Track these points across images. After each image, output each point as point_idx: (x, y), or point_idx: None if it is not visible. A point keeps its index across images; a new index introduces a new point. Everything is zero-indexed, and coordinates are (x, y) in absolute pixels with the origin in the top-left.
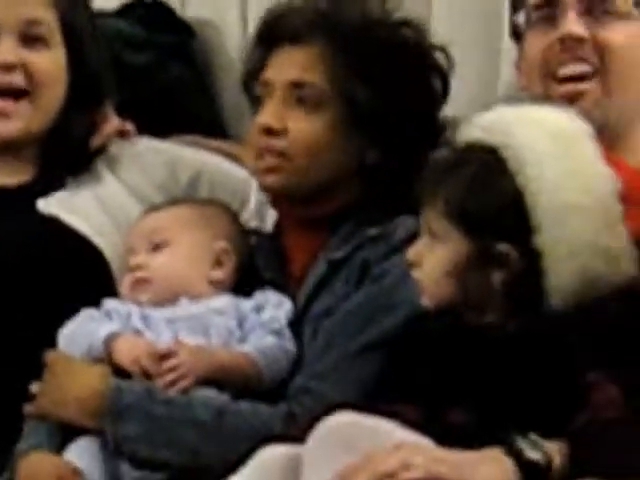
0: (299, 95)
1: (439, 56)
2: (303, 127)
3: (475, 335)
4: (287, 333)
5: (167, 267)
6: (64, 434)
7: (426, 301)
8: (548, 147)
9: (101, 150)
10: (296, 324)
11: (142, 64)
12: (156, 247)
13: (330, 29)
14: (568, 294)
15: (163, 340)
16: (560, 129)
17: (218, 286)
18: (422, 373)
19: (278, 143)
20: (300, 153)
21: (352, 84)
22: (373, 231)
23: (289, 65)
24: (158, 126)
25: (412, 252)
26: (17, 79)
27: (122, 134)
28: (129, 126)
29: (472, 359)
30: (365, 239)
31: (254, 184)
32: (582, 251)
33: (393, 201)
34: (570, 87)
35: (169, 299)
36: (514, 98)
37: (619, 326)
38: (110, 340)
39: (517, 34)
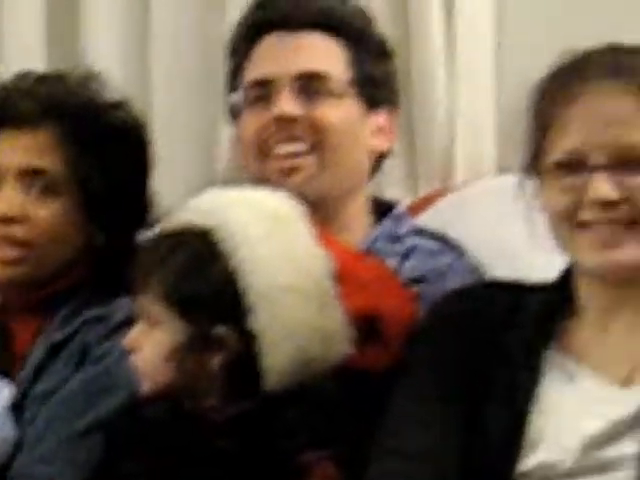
0: (34, 181)
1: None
2: (44, 214)
3: (194, 420)
4: (7, 417)
5: None
6: None
7: (145, 386)
8: (260, 228)
9: None
10: (18, 407)
11: None
12: None
13: (58, 113)
14: (284, 375)
15: None
16: (273, 210)
17: None
18: (139, 460)
19: (18, 232)
20: (42, 241)
21: (85, 167)
22: (93, 313)
23: (19, 151)
24: None
25: (130, 338)
26: None
27: None
28: None
29: (191, 445)
30: (85, 321)
31: None
32: (297, 332)
33: (115, 282)
34: (285, 163)
35: None
36: (232, 180)
37: (334, 405)
38: None
39: (234, 113)
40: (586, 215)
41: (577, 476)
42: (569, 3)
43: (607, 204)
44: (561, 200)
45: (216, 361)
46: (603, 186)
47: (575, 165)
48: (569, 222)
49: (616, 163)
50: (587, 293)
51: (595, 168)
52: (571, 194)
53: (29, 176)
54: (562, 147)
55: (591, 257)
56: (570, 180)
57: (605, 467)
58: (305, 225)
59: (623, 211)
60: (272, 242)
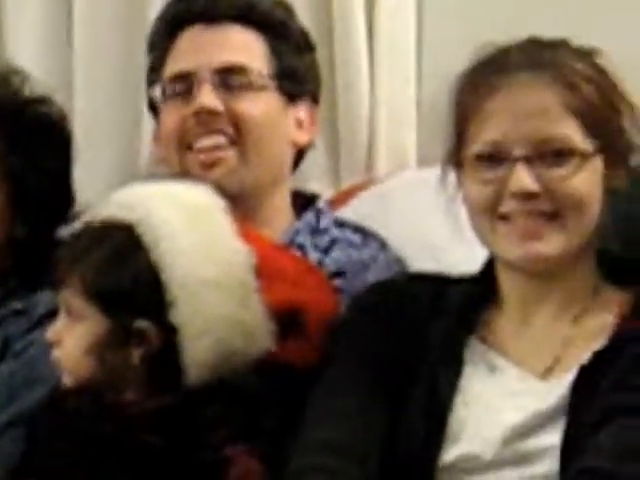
0: None
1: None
2: None
3: (114, 413)
4: None
5: None
6: None
7: (67, 380)
8: (181, 222)
9: None
10: None
11: None
12: None
13: None
14: (205, 369)
15: None
16: (193, 204)
17: None
18: (61, 452)
19: None
20: None
21: (12, 161)
22: (15, 306)
23: None
24: None
25: (51, 332)
26: None
27: None
28: None
29: (113, 438)
30: (6, 314)
31: None
32: (217, 326)
33: (37, 276)
34: (206, 157)
35: None
36: (154, 174)
37: (256, 399)
38: None
39: (154, 107)
40: (507, 207)
41: (498, 468)
42: None
43: (528, 196)
44: (482, 192)
45: (137, 355)
46: (524, 178)
47: (496, 157)
48: (490, 214)
49: (537, 155)
50: (508, 285)
51: (516, 160)
52: (492, 186)
53: None
54: (483, 139)
55: (512, 249)
56: (491, 172)
57: (526, 459)
58: (226, 218)
59: (544, 203)
60: (193, 235)
